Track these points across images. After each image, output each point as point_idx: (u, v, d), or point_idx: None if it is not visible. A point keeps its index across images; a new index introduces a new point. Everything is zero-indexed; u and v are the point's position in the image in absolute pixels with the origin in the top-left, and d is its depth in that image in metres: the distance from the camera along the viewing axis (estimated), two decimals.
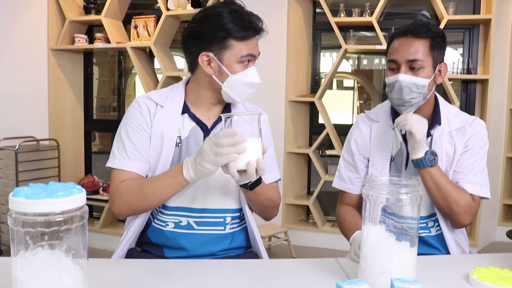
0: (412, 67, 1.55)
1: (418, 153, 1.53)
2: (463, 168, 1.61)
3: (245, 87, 1.47)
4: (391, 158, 1.66)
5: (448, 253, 1.63)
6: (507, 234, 3.20)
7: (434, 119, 1.63)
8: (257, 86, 1.51)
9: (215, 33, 1.43)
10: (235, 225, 1.59)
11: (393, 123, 1.66)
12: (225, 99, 1.51)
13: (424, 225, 1.65)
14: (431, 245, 1.66)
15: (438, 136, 1.62)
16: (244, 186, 1.38)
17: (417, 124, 1.49)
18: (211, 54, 1.45)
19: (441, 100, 1.68)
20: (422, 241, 1.62)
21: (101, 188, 4.17)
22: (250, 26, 1.44)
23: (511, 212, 4.35)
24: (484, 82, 3.92)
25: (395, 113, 1.68)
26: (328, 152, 4.52)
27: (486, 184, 1.64)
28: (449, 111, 1.66)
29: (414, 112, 1.60)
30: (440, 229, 1.65)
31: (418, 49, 1.54)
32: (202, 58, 1.46)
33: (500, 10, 3.87)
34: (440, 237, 1.66)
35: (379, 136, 1.69)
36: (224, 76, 1.46)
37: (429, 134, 1.62)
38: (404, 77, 1.54)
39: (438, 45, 1.57)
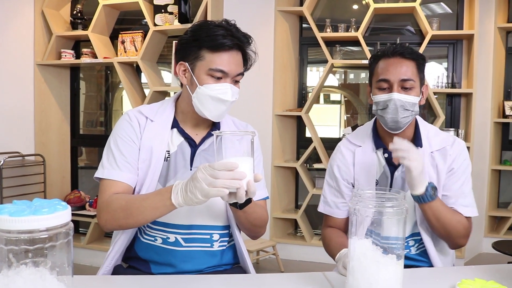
0: (404, 86, 1.56)
1: (418, 189, 1.49)
2: (454, 192, 1.62)
3: (213, 102, 1.45)
4: (376, 182, 1.67)
5: (431, 265, 1.64)
6: (493, 245, 3.22)
7: (415, 141, 1.64)
8: (230, 104, 1.47)
9: (192, 43, 1.45)
10: (225, 243, 1.58)
11: (376, 147, 1.67)
12: (197, 112, 1.50)
13: (406, 244, 1.65)
14: (413, 259, 1.67)
15: None
16: (233, 205, 1.36)
17: (416, 161, 1.46)
18: (186, 64, 1.47)
19: (420, 120, 1.70)
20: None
21: (87, 204, 4.13)
22: (226, 38, 1.42)
23: (496, 223, 4.39)
24: (468, 95, 3.98)
25: (377, 136, 1.69)
26: (316, 165, 4.53)
27: (474, 202, 1.66)
28: (429, 131, 1.67)
29: (400, 133, 1.61)
30: (423, 247, 1.65)
31: (409, 69, 1.56)
32: (179, 68, 1.49)
33: (483, 25, 3.95)
34: (421, 254, 1.67)
35: (363, 161, 1.69)
36: (194, 87, 1.46)
37: None
38: (399, 96, 1.55)
39: (422, 67, 1.61)
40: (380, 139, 1.68)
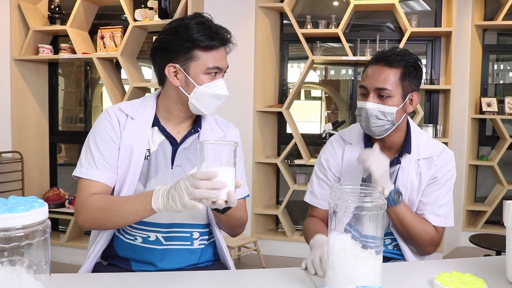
0: (381, 95, 1.56)
1: None
2: (430, 200, 1.64)
3: (212, 99, 1.47)
4: (362, 180, 1.69)
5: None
6: (470, 239, 3.29)
7: (404, 148, 1.65)
8: (225, 99, 1.50)
9: (181, 44, 1.42)
10: (204, 241, 1.58)
11: (365, 146, 1.69)
12: (192, 111, 1.50)
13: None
14: (391, 253, 1.70)
15: (406, 164, 1.64)
16: (215, 209, 1.35)
17: (376, 162, 1.51)
18: (177, 66, 1.44)
19: (413, 127, 1.69)
20: None
21: (67, 201, 4.07)
22: (216, 37, 1.43)
23: (474, 217, 4.47)
24: (446, 92, 4.04)
25: (367, 137, 1.71)
26: (297, 161, 4.55)
27: (451, 213, 1.68)
28: (420, 138, 1.68)
29: (385, 138, 1.63)
30: (398, 245, 1.68)
31: (388, 78, 1.55)
32: (169, 70, 1.46)
33: (460, 23, 4.01)
34: (399, 249, 1.69)
35: (350, 159, 1.71)
36: (191, 88, 1.45)
37: (398, 162, 1.65)
38: (371, 105, 1.57)
39: (410, 75, 1.58)
40: (370, 140, 1.70)
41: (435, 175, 1.64)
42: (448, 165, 1.66)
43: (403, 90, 1.58)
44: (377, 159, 1.53)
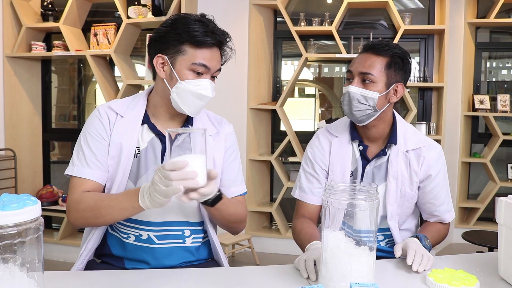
0: (364, 79, 1.59)
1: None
2: (439, 202, 1.70)
3: (193, 98, 1.44)
4: (351, 173, 1.69)
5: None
6: (463, 236, 3.31)
7: (390, 139, 1.67)
8: (208, 100, 1.47)
9: (173, 36, 1.42)
10: (199, 239, 1.57)
11: (351, 138, 1.70)
12: (174, 107, 1.48)
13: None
14: (384, 251, 1.71)
15: (394, 156, 1.65)
16: (204, 202, 1.32)
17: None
18: (165, 57, 1.44)
19: (399, 119, 1.72)
20: None
21: (60, 199, 4.06)
22: (208, 35, 1.42)
23: (466, 214, 4.50)
24: (439, 89, 4.05)
25: (353, 129, 1.71)
26: (290, 159, 4.56)
27: (451, 202, 1.77)
28: (406, 131, 1.70)
29: (370, 129, 1.66)
30: (392, 241, 1.70)
31: (374, 64, 1.59)
32: (157, 60, 1.46)
33: (453, 21, 4.03)
34: (392, 247, 1.70)
35: (338, 151, 1.71)
36: (174, 82, 1.44)
37: (384, 153, 1.66)
38: (354, 89, 1.60)
39: (396, 66, 1.61)
40: (356, 132, 1.70)
41: (429, 172, 1.65)
42: (440, 160, 1.68)
43: (387, 79, 1.61)
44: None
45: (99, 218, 1.37)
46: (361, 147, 1.69)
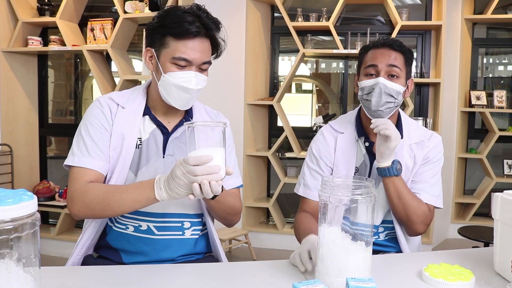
0: (391, 73, 1.60)
1: (386, 162, 1.56)
2: (422, 179, 1.67)
3: (177, 90, 1.43)
4: (355, 169, 1.69)
5: (400, 250, 1.68)
6: (459, 231, 3.32)
7: None
8: (195, 93, 1.45)
9: (157, 30, 1.42)
10: (198, 231, 1.58)
11: (358, 135, 1.69)
12: (163, 100, 1.48)
13: (375, 230, 1.69)
14: (381, 245, 1.71)
15: (399, 149, 1.66)
16: None
17: (396, 132, 1.53)
18: (152, 50, 1.45)
19: (403, 114, 1.74)
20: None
21: (57, 194, 4.06)
22: (192, 24, 1.38)
23: (462, 210, 4.51)
24: (436, 85, 4.05)
25: (360, 125, 1.72)
26: (287, 154, 4.56)
27: (441, 195, 1.72)
28: (410, 125, 1.72)
29: None
30: (392, 234, 1.70)
31: (398, 58, 1.61)
32: (146, 53, 1.47)
33: (450, 16, 4.02)
34: (389, 240, 1.71)
35: (344, 148, 1.71)
36: (159, 75, 1.44)
37: None
38: (385, 81, 1.59)
39: (409, 61, 1.65)
40: (363, 128, 1.71)
41: (428, 155, 1.68)
42: (438, 147, 1.71)
43: (406, 74, 1.64)
44: (396, 130, 1.53)
45: (107, 210, 1.36)
46: (367, 143, 1.69)
